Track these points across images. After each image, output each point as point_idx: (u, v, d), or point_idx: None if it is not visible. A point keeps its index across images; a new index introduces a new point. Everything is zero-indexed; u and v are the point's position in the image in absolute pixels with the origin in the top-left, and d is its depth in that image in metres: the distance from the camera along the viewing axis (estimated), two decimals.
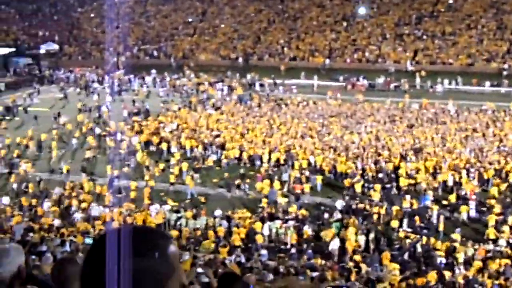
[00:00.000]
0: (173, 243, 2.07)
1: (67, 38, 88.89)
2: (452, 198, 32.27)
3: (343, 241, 28.04)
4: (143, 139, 43.92)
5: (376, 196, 33.27)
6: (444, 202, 32.22)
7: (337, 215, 31.07)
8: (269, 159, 39.27)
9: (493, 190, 33.16)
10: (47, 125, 48.66)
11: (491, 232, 28.50)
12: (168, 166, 38.87)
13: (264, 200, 33.03)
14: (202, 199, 34.49)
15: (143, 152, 41.59)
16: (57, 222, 29.67)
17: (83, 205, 32.58)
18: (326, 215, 31.42)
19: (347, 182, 35.23)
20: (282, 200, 33.12)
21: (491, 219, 29.64)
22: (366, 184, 35.01)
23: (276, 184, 34.98)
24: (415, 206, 31.56)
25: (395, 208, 31.22)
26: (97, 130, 46.59)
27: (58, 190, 34.78)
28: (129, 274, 1.94)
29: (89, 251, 2.04)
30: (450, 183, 34.33)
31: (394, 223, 30.22)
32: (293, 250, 27.38)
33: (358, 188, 34.54)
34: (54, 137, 45.31)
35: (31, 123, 49.10)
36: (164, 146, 42.28)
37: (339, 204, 32.59)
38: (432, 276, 22.80)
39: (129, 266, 1.94)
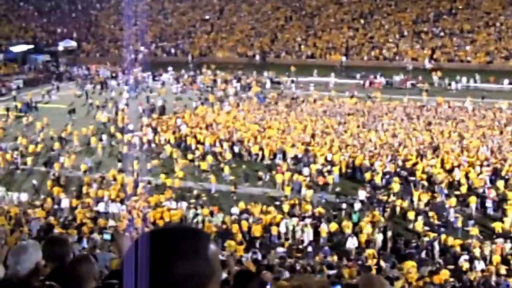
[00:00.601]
0: (213, 242, 2.04)
1: (85, 35, 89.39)
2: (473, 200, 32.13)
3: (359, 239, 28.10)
4: (169, 137, 44.15)
5: (396, 188, 33.54)
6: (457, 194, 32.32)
7: (358, 205, 31.79)
8: (286, 155, 39.39)
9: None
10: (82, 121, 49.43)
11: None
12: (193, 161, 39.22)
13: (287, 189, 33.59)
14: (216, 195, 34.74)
15: (171, 146, 42.11)
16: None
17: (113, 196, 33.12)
18: (344, 205, 32.10)
19: (368, 175, 35.38)
20: (307, 192, 33.57)
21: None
22: (386, 177, 35.27)
23: (299, 178, 35.38)
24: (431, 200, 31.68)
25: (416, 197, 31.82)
26: (130, 127, 46.53)
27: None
28: (171, 277, 1.93)
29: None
30: (464, 180, 34.15)
31: (411, 215, 30.51)
32: (310, 248, 27.41)
33: (378, 180, 34.89)
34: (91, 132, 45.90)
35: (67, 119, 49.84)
36: (191, 141, 42.49)
37: (362, 194, 33.11)
38: (445, 273, 22.77)
39: (171, 268, 1.93)
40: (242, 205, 32.17)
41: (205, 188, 35.64)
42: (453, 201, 31.51)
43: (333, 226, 29.65)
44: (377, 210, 31.27)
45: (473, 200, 31.69)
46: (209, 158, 39.21)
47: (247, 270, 8.03)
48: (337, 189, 34.78)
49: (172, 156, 40.24)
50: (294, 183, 34.86)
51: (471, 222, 29.69)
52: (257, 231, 29.53)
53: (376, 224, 29.40)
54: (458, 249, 27.00)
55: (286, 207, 31.72)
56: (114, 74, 69.12)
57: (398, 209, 31.76)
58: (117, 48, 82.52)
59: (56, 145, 43.24)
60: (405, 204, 31.91)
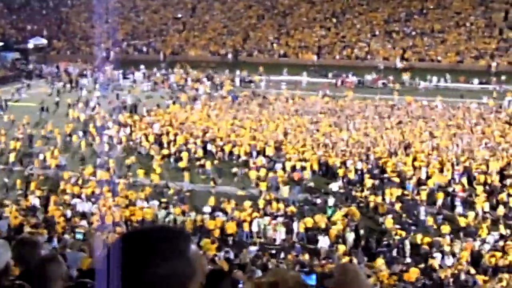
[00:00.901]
0: (193, 242, 2.03)
1: (55, 33, 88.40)
2: (440, 196, 32.45)
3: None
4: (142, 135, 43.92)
5: (369, 183, 34.03)
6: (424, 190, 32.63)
7: (331, 200, 32.19)
8: (259, 153, 39.44)
9: (479, 188, 33.30)
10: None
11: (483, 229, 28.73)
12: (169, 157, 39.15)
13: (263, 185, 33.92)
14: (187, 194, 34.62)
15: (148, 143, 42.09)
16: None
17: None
18: (319, 200, 32.63)
19: (340, 171, 35.68)
20: (283, 188, 33.89)
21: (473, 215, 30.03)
22: (358, 174, 35.76)
23: (276, 174, 35.70)
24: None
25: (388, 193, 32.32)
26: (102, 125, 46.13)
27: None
28: (151, 277, 1.91)
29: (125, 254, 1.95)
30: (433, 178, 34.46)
31: (382, 209, 31.02)
32: (282, 247, 27.51)
33: (351, 176, 35.36)
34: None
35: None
36: (165, 139, 42.31)
37: (335, 186, 33.79)
38: (415, 271, 23.00)
39: (151, 268, 1.91)
40: (212, 202, 32.25)
41: (178, 187, 35.49)
42: (423, 194, 31.88)
43: (309, 221, 29.87)
44: (352, 205, 31.77)
45: (440, 196, 32.11)
46: (185, 155, 39.10)
47: (219, 269, 8.00)
48: (311, 184, 35.02)
49: (150, 154, 40.10)
50: (270, 179, 35.05)
51: (441, 220, 30.02)
52: (230, 228, 29.56)
53: (351, 218, 29.60)
54: (428, 247, 27.28)
55: (260, 205, 31.78)
56: (85, 72, 68.44)
57: (371, 204, 32.09)
58: (88, 46, 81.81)
59: (39, 143, 42.65)
60: (379, 199, 32.20)
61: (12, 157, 39.96)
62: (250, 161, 38.48)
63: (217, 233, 28.93)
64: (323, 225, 29.37)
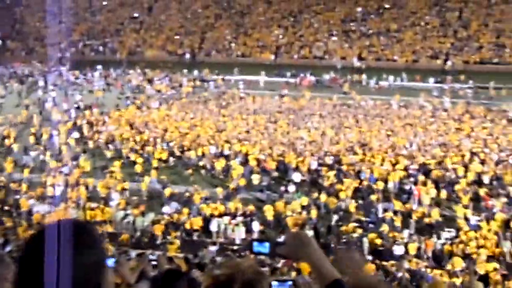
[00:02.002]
0: (100, 235, 2.02)
1: (9, 33, 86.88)
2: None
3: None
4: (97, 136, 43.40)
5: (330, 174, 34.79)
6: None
7: (292, 187, 33.57)
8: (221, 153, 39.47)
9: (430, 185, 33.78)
10: None
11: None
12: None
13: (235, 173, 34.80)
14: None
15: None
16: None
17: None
18: (282, 188, 33.79)
19: (300, 165, 36.09)
20: (254, 176, 34.95)
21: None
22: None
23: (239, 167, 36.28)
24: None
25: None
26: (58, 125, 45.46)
27: None
28: (69, 270, 1.91)
29: (24, 248, 2.02)
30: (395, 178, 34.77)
31: (343, 194, 32.09)
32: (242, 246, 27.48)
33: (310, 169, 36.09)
34: None
35: None
36: (122, 140, 41.81)
37: (297, 177, 34.67)
38: (371, 268, 23.15)
39: (69, 261, 1.92)
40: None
41: (137, 188, 35.17)
42: (380, 185, 32.70)
43: (269, 209, 30.89)
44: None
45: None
46: (138, 158, 38.73)
47: (176, 268, 7.87)
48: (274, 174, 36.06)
49: (106, 155, 39.71)
50: (245, 169, 36.01)
51: (399, 216, 30.32)
52: (196, 224, 29.67)
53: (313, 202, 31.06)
54: (386, 244, 27.56)
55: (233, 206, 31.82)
56: (40, 73, 67.37)
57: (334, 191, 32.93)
58: (43, 47, 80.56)
59: None
60: (341, 187, 33.01)
61: None
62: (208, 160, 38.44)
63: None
64: (289, 212, 30.41)
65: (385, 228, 28.98)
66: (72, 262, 1.90)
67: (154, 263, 15.16)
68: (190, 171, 36.99)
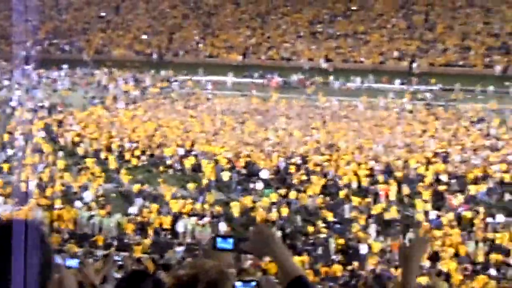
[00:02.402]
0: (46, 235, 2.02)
1: None
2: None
3: None
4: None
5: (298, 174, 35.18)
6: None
7: (260, 184, 34.20)
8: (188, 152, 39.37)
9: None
10: None
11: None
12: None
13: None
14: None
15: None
16: None
17: None
18: (251, 185, 34.42)
19: (269, 165, 36.19)
20: (224, 174, 35.48)
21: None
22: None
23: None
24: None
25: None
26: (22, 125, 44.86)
27: None
28: (21, 269, 1.87)
29: None
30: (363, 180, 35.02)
31: (310, 191, 32.48)
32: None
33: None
34: None
35: None
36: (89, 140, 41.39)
37: (265, 174, 35.11)
38: (338, 268, 23.34)
39: (20, 261, 1.92)
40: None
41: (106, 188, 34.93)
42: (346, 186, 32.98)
43: (237, 205, 31.46)
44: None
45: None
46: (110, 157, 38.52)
47: (141, 269, 7.82)
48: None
49: (72, 155, 39.35)
50: (216, 168, 36.32)
51: (365, 216, 30.60)
52: (165, 223, 29.73)
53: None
54: (352, 245, 27.79)
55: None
56: (5, 71, 66.41)
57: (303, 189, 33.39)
58: (8, 45, 79.32)
59: None
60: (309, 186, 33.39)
61: None
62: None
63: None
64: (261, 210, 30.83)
65: (353, 228, 29.22)
66: (23, 262, 1.85)
67: (120, 264, 15.08)
68: (159, 170, 36.81)
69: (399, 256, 3.24)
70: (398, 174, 35.14)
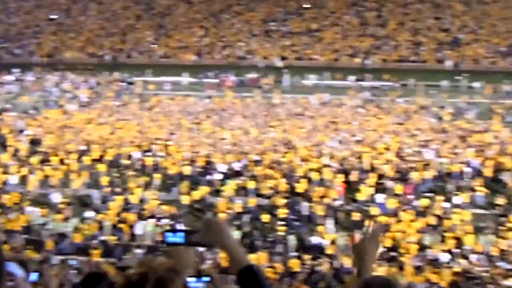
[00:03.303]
0: None
1: None
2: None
3: None
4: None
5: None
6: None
7: (219, 175, 34.99)
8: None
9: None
10: None
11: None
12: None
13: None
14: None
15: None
16: None
17: None
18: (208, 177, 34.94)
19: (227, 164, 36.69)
20: (185, 168, 35.94)
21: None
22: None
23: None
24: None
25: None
26: None
27: None
28: None
29: None
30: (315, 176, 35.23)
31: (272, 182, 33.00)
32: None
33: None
34: None
35: None
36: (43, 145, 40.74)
37: (223, 167, 35.78)
38: (296, 263, 23.49)
39: None
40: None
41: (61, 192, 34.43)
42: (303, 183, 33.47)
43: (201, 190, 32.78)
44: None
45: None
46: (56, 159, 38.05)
47: (97, 271, 7.74)
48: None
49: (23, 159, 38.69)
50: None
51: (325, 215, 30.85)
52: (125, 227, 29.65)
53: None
54: (311, 241, 27.99)
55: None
56: None
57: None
58: None
59: None
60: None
61: None
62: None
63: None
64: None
65: (312, 224, 29.46)
66: None
67: (77, 268, 14.92)
68: (117, 171, 36.51)
69: (352, 251, 3.25)
70: (353, 169, 35.51)
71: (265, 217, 30.76)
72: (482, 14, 74.82)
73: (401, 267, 24.31)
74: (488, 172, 34.97)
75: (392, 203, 31.07)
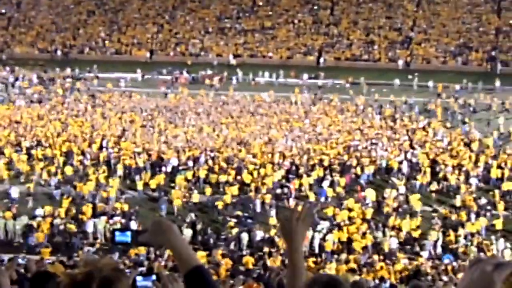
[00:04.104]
0: None
1: None
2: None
3: None
4: None
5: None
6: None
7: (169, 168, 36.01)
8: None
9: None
10: None
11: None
12: None
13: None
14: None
15: None
16: None
17: None
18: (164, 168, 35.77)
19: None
20: (139, 159, 36.69)
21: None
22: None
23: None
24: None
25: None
26: None
27: None
28: None
29: None
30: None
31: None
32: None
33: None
34: None
35: None
36: None
37: (174, 161, 36.43)
38: (249, 260, 23.54)
39: None
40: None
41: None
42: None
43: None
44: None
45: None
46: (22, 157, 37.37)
47: (45, 270, 7.65)
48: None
49: None
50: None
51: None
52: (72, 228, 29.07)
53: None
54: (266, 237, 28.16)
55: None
56: None
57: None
58: None
59: None
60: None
61: None
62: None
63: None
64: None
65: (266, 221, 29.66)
66: None
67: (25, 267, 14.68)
68: (70, 168, 36.01)
69: (281, 232, 3.23)
70: (302, 164, 36.01)
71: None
72: (433, 14, 76.01)
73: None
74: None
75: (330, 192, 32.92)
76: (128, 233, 3.15)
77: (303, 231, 3.18)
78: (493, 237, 28.75)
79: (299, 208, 3.22)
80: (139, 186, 33.94)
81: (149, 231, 2.98)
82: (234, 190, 32.85)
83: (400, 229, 29.47)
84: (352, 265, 23.75)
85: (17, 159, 37.29)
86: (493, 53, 68.52)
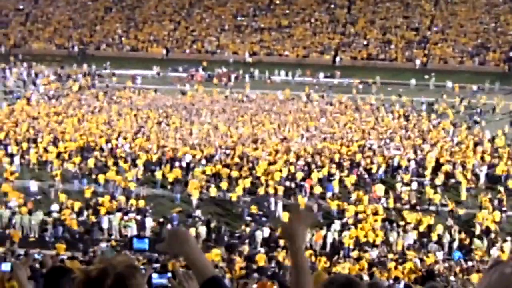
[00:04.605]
0: None
1: None
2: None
3: None
4: None
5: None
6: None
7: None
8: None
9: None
10: None
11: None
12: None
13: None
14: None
15: None
16: None
17: None
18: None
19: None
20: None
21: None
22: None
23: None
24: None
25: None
26: None
27: None
28: None
29: None
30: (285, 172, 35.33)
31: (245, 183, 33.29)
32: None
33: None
34: None
35: None
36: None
37: (188, 157, 36.59)
38: (262, 258, 23.54)
39: None
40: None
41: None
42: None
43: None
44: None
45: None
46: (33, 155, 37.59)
47: (60, 265, 7.68)
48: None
49: None
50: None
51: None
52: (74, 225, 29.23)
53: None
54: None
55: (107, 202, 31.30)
56: None
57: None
58: None
59: None
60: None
61: None
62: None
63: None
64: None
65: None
66: None
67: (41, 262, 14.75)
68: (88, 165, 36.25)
69: (282, 233, 3.22)
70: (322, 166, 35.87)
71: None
72: (451, 14, 75.59)
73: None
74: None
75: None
76: (146, 240, 3.18)
77: (304, 232, 3.19)
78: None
79: (299, 209, 3.24)
80: (158, 176, 34.80)
81: (165, 241, 3.00)
82: (247, 182, 33.03)
83: (416, 227, 29.43)
84: (364, 263, 23.78)
85: (35, 154, 37.60)
86: (510, 53, 68.01)
